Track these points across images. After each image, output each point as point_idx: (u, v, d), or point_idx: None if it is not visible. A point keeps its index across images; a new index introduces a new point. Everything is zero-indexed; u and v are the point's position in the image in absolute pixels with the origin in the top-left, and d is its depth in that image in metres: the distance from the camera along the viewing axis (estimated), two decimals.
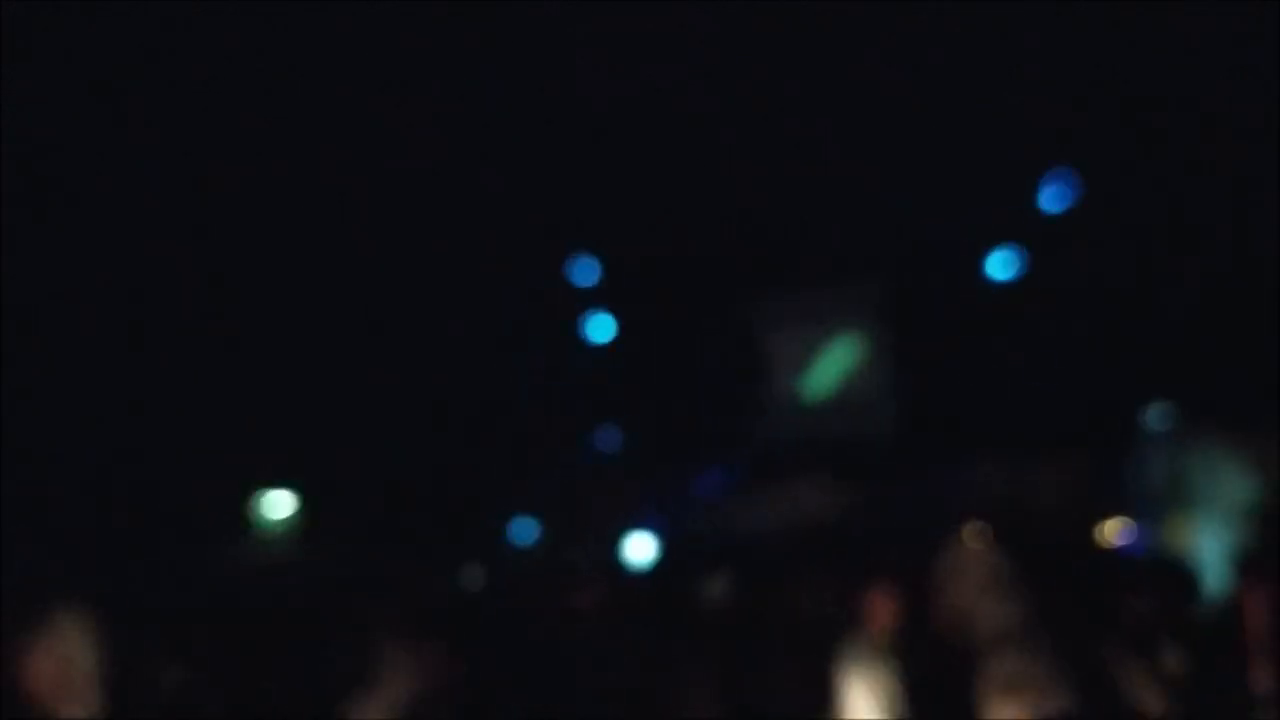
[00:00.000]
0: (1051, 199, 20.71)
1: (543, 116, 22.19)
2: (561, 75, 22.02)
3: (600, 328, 21.41)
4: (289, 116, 20.33)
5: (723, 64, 21.05)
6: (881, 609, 4.94)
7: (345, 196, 20.45)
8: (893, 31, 20.32)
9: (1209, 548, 13.52)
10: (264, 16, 18.11)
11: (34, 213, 16.33)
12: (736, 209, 21.48)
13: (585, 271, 21.95)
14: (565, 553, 17.00)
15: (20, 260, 15.88)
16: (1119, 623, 5.92)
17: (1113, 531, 14.73)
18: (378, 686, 5.09)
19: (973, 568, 3.70)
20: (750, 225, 21.62)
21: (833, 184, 21.32)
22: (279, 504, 20.16)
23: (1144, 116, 20.24)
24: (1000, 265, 21.69)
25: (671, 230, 21.32)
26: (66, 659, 4.56)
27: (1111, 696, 3.75)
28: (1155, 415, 16.99)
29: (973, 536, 3.73)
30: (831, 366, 20.99)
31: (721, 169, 22.05)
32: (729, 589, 7.55)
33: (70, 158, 17.30)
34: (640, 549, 16.16)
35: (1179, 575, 7.93)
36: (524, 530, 19.59)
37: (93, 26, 17.17)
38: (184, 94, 18.98)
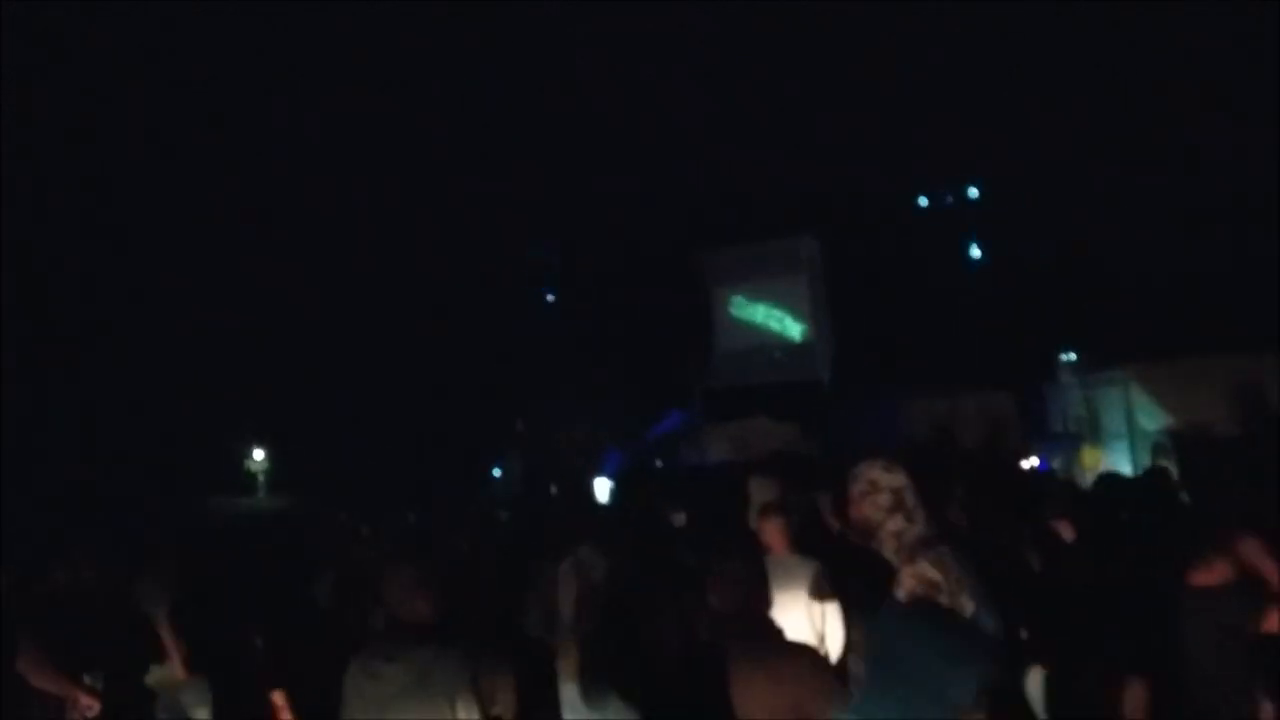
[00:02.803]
0: None
1: (497, 94, 22.18)
2: (512, 58, 21.99)
3: None
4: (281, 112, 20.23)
5: (674, 48, 21.14)
6: (774, 536, 5.16)
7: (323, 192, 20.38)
8: (826, 15, 20.51)
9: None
10: (264, 17, 17.92)
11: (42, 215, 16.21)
12: (682, 173, 21.64)
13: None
14: (539, 490, 17.17)
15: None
16: (1030, 536, 6.24)
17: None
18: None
19: (880, 490, 3.89)
20: (695, 187, 21.77)
21: (771, 145, 21.53)
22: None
23: (1055, 99, 20.66)
24: None
25: (621, 196, 21.49)
26: None
27: (1008, 604, 3.93)
28: (1068, 358, 17.47)
29: (886, 463, 3.89)
30: (769, 315, 21.23)
31: (666, 137, 22.18)
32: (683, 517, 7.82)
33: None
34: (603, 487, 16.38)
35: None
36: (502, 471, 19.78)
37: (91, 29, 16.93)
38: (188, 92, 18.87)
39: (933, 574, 3.48)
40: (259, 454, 20.61)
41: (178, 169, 18.57)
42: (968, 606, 3.51)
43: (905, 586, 3.54)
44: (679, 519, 7.16)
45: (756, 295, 20.99)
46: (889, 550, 3.69)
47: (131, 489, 14.14)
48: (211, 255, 19.11)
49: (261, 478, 20.86)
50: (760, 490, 5.98)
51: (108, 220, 17.63)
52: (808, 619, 4.90)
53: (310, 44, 19.93)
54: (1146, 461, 13.68)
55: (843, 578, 4.90)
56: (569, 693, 5.24)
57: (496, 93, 21.37)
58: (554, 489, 16.13)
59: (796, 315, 20.84)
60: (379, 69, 20.69)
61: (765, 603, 3.67)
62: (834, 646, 4.89)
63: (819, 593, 4.97)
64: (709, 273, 21.30)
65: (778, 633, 3.61)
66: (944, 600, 3.46)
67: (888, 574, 3.67)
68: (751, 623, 3.53)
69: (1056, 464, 15.79)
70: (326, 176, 20.05)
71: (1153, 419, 14.81)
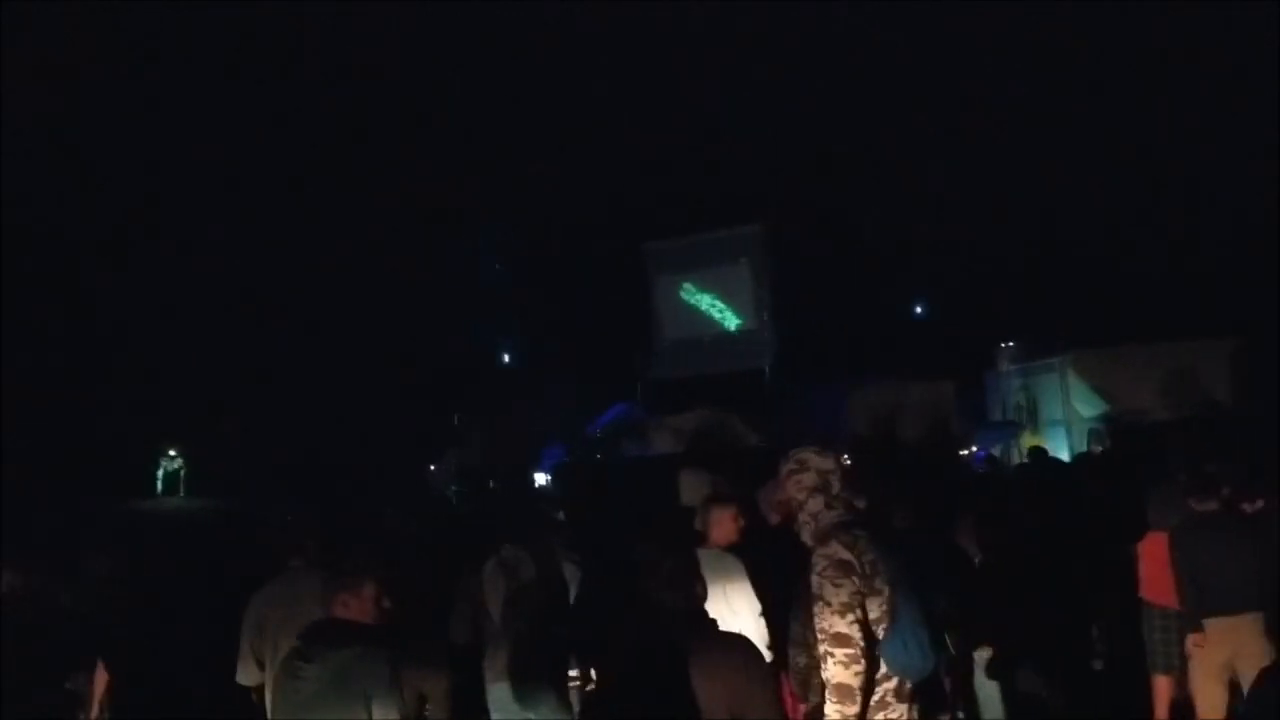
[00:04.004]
0: None
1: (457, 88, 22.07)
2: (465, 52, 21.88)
3: None
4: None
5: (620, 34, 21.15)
6: (719, 527, 5.15)
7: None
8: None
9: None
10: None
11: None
12: (626, 163, 21.65)
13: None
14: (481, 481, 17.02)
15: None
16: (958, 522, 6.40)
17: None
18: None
19: (808, 470, 3.95)
20: (640, 177, 21.80)
21: (715, 135, 21.65)
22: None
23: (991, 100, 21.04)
24: None
25: (566, 186, 21.46)
26: None
27: (929, 581, 3.98)
28: (1006, 348, 17.81)
29: (820, 448, 3.95)
30: (712, 305, 21.36)
31: (610, 126, 22.17)
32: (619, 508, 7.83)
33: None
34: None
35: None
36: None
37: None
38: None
39: (844, 554, 3.54)
40: (173, 452, 19.86)
41: (88, 164, 18.15)
42: (883, 590, 3.59)
43: (817, 568, 3.60)
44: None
45: (703, 284, 21.10)
46: (806, 534, 3.75)
47: (39, 491, 13.69)
48: (125, 244, 18.72)
49: (163, 479, 19.95)
50: (690, 484, 5.98)
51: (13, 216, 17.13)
52: (725, 613, 4.88)
53: (254, 40, 19.67)
54: (1083, 448, 14.04)
55: (780, 570, 4.94)
56: (498, 693, 5.22)
57: (438, 79, 21.19)
58: (492, 484, 16.03)
59: (739, 304, 20.97)
60: (319, 58, 20.46)
61: (700, 597, 3.68)
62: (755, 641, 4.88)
63: (741, 587, 4.97)
64: (656, 262, 21.34)
65: (712, 625, 3.62)
66: (856, 583, 3.52)
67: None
68: (686, 617, 3.54)
69: (997, 451, 16.12)
70: (250, 163, 19.71)
71: (1089, 406, 15.17)
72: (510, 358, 22.16)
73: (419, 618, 5.47)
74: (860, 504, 4.15)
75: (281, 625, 5.35)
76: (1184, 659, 5.69)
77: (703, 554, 5.01)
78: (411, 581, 5.61)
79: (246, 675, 5.09)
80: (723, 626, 3.87)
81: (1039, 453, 10.66)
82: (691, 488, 5.96)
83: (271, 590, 5.30)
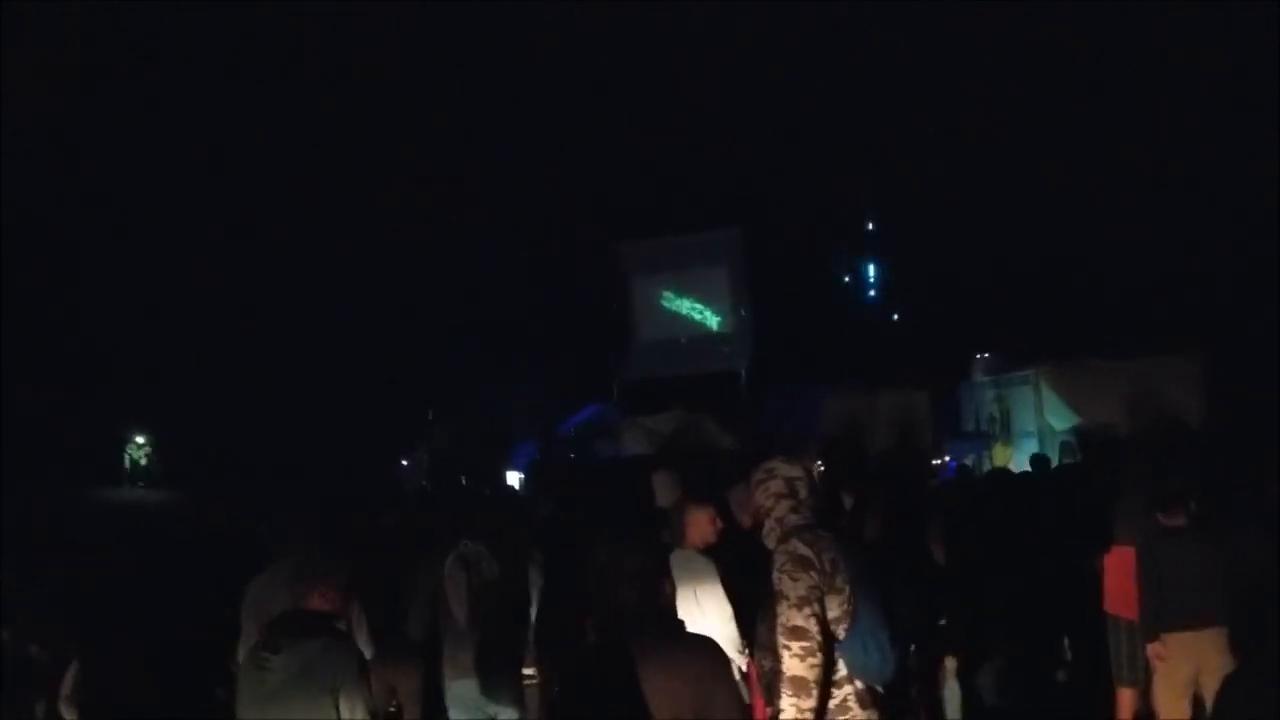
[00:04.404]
0: None
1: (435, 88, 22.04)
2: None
3: None
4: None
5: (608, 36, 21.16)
6: (696, 527, 5.14)
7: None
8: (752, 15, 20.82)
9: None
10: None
11: None
12: (605, 163, 21.67)
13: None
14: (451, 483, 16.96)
15: None
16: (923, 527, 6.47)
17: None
18: None
19: (775, 478, 4.00)
20: (620, 177, 21.81)
21: (695, 137, 21.72)
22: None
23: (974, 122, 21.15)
24: None
25: (547, 183, 21.47)
26: None
27: (884, 580, 4.02)
28: (981, 359, 17.96)
29: (788, 457, 4.01)
30: (692, 308, 21.41)
31: (590, 127, 22.16)
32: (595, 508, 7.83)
33: None
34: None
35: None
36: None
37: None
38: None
39: (804, 550, 3.58)
40: (140, 440, 19.54)
41: (51, 151, 18.02)
42: (844, 589, 3.61)
43: (777, 564, 3.64)
44: None
45: (682, 287, 21.11)
46: (771, 540, 3.78)
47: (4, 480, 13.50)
48: (124, 242, 18.58)
49: (130, 467, 19.60)
50: (663, 486, 5.99)
51: None
52: (694, 614, 4.88)
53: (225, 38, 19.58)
54: (1055, 460, 14.14)
55: (752, 573, 4.94)
56: (459, 689, 5.20)
57: (412, 77, 21.15)
58: (464, 480, 15.99)
59: (717, 308, 21.01)
60: (319, 58, 20.43)
61: (668, 597, 3.68)
62: (724, 643, 4.87)
63: (711, 589, 4.97)
64: (634, 263, 21.34)
65: (679, 626, 3.63)
66: (814, 577, 3.57)
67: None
68: (652, 617, 3.54)
69: (969, 461, 16.22)
70: (224, 154, 19.58)
71: (1061, 419, 15.30)
72: (485, 354, 22.07)
73: (392, 614, 5.47)
74: (827, 509, 4.20)
75: None
76: (1149, 672, 5.75)
77: (673, 555, 5.04)
78: (386, 577, 5.62)
79: None
80: (691, 628, 3.89)
81: (1041, 461, 10.73)
82: (664, 489, 5.97)
83: (272, 577, 5.24)
